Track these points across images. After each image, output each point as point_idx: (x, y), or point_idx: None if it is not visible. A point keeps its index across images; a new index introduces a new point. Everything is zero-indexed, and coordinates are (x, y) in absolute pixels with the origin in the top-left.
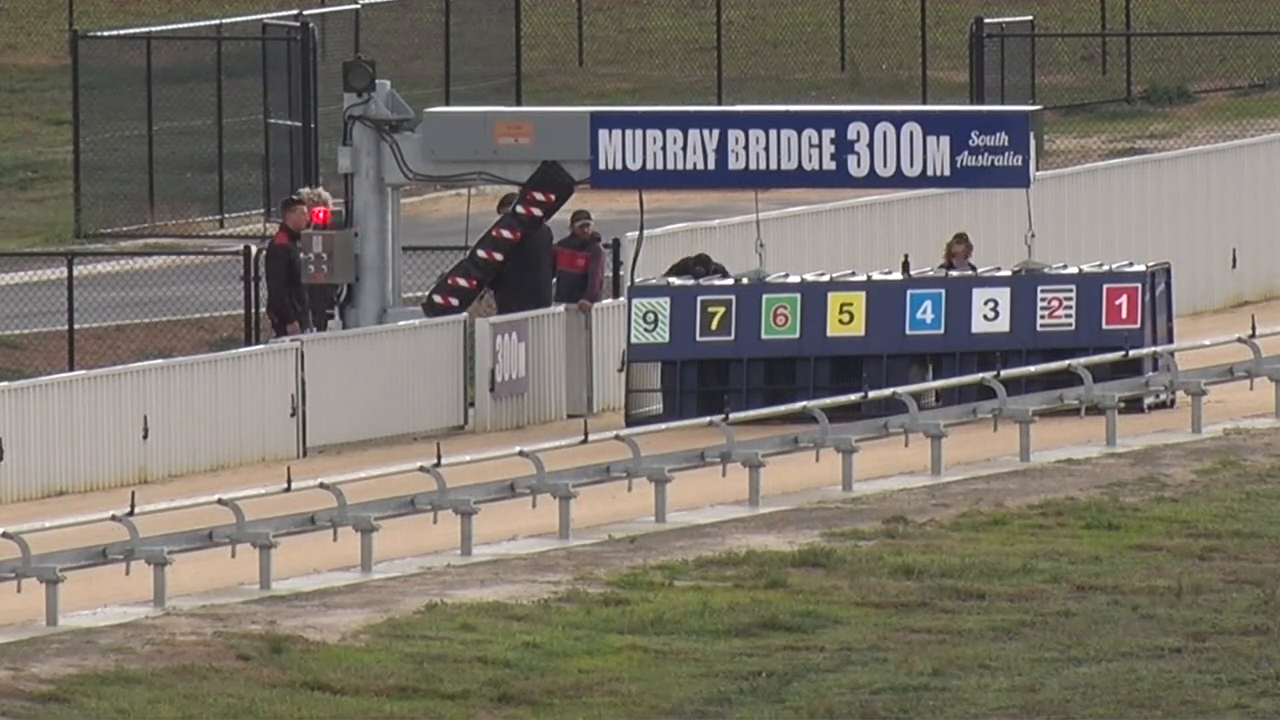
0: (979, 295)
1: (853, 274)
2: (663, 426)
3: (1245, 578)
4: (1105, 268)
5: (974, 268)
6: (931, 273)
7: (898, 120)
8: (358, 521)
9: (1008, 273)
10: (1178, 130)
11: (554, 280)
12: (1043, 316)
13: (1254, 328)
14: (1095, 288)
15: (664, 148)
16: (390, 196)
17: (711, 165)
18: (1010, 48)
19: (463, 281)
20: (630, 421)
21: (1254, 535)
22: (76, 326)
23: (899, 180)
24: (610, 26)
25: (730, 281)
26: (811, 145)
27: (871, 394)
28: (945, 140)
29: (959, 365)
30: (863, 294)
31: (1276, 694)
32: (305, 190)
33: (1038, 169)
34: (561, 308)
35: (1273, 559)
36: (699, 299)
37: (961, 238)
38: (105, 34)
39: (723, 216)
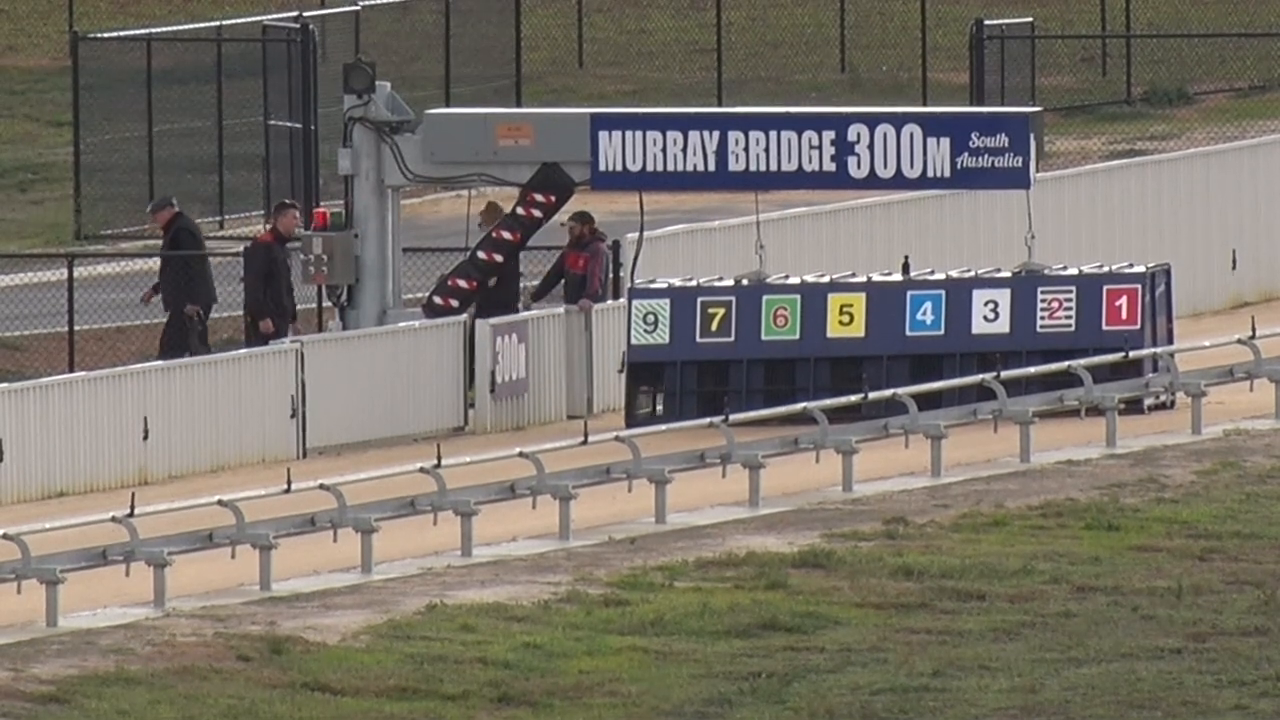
0: (979, 296)
1: (853, 275)
2: (663, 428)
3: (1245, 579)
4: (1105, 269)
5: None
6: None
7: (898, 122)
8: (358, 522)
9: (1008, 274)
10: (1178, 132)
11: (563, 281)
12: (1043, 317)
13: (1254, 329)
14: (1095, 289)
15: (664, 149)
16: (390, 198)
17: (711, 167)
18: (1010, 49)
19: (463, 283)
20: (630, 422)
21: (1254, 536)
22: (77, 328)
23: (899, 182)
24: (610, 28)
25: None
26: (811, 147)
27: (871, 395)
28: (945, 142)
29: (959, 366)
30: (863, 295)
31: (1276, 695)
32: None
33: (1038, 170)
34: (562, 309)
35: (1273, 560)
36: (699, 300)
37: None
38: (105, 36)
39: (723, 218)
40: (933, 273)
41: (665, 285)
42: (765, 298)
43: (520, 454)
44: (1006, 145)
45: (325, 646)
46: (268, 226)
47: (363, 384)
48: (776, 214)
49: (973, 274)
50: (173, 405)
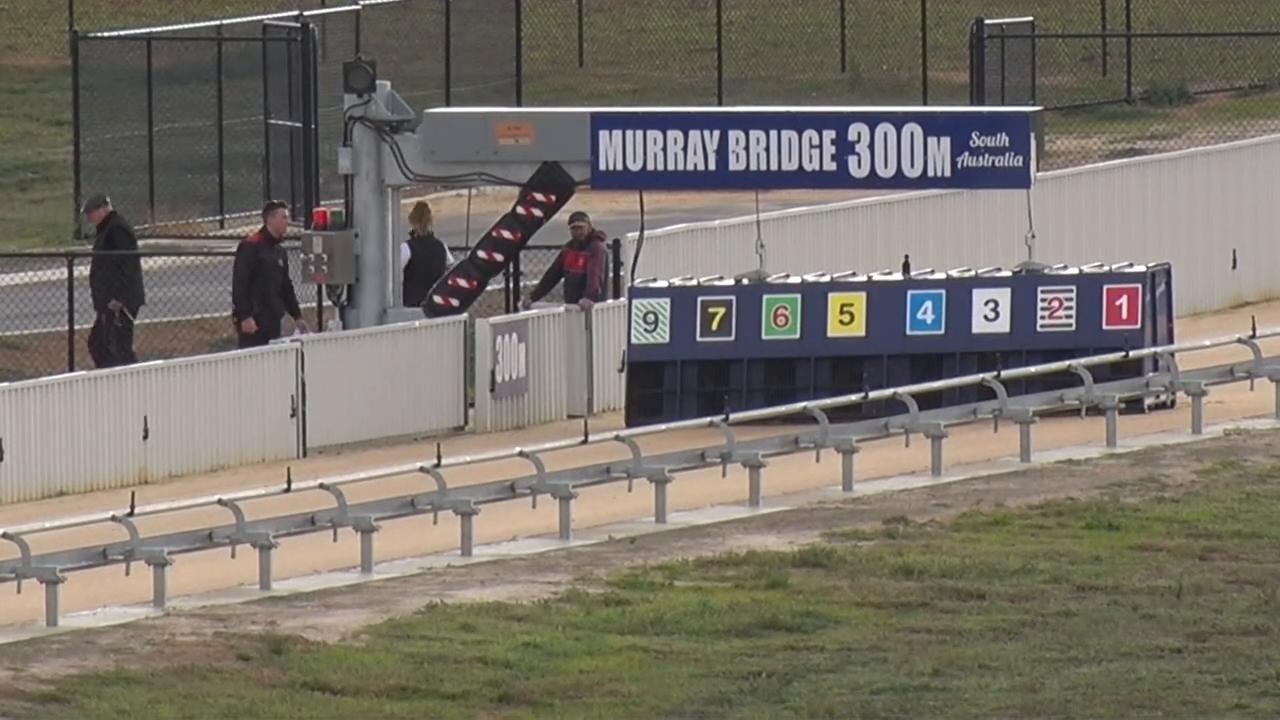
0: (979, 296)
1: (853, 274)
2: (663, 427)
3: (1245, 578)
4: (1105, 268)
5: None
6: None
7: (898, 121)
8: (358, 522)
9: (1008, 273)
10: (1178, 131)
11: (563, 280)
12: (1043, 317)
13: (1254, 328)
14: (1096, 288)
15: (664, 148)
16: (390, 197)
17: (712, 166)
18: (1011, 48)
19: (463, 282)
20: (630, 422)
21: (1254, 535)
22: (76, 327)
23: (899, 181)
24: (610, 27)
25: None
26: (812, 146)
27: (872, 394)
28: (946, 141)
29: (959, 366)
30: (863, 294)
31: (1277, 694)
32: None
33: (1038, 170)
34: (562, 308)
35: (1273, 559)
36: (699, 299)
37: None
38: (106, 35)
39: (723, 217)
40: (933, 272)
41: (665, 284)
42: (766, 297)
43: (520, 453)
44: (1007, 145)
45: (325, 646)
46: (260, 227)
47: (363, 384)
48: (777, 213)
49: (973, 273)
50: (173, 405)
